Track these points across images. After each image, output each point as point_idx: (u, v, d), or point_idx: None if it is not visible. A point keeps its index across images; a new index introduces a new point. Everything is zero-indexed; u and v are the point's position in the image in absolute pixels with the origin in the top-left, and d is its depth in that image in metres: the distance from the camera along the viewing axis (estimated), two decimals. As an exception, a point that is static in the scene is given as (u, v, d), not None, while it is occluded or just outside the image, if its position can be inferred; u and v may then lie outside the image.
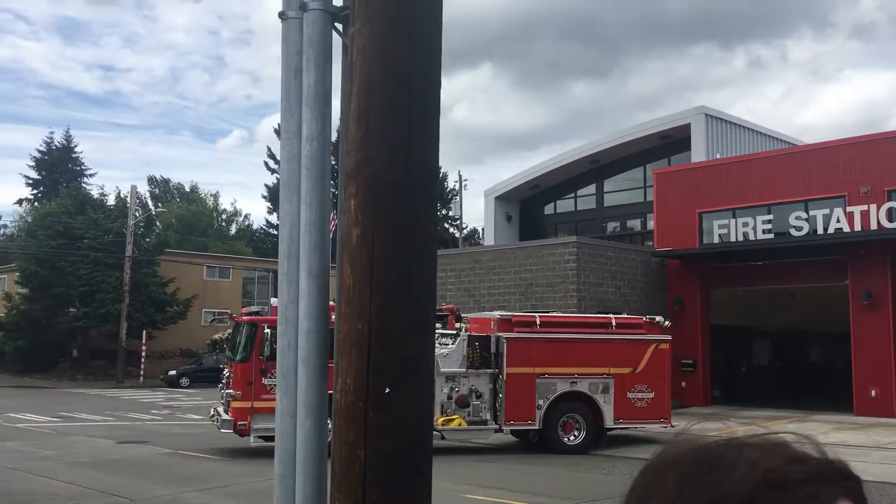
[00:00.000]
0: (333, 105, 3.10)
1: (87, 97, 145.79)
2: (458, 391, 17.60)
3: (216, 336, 49.16)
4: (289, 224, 3.09)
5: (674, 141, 36.64)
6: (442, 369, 17.04)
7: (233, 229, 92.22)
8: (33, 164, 76.36)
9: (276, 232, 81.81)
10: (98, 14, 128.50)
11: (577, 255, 26.15)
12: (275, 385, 11.34)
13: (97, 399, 33.75)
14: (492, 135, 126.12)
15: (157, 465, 16.00)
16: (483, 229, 52.18)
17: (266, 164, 78.01)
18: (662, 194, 30.17)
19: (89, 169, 78.12)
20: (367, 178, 2.74)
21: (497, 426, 17.88)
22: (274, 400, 11.11)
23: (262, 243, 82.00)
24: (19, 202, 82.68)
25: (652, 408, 18.34)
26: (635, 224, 39.39)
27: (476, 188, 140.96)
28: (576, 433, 18.16)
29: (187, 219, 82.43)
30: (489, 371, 17.71)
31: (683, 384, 27.89)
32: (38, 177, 75.75)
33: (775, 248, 26.49)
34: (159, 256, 49.00)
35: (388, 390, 2.67)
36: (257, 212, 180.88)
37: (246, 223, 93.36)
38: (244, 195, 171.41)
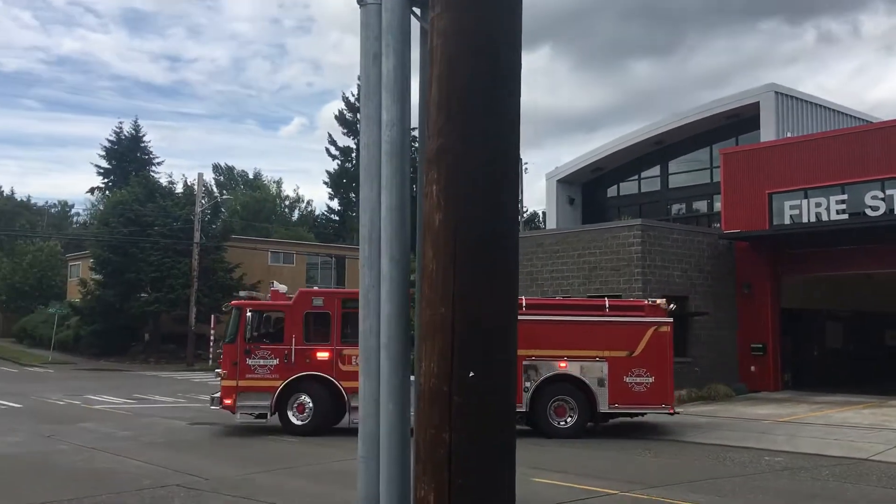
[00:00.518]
0: (412, 90, 3.11)
1: (154, 87, 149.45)
2: None
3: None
4: (369, 209, 3.12)
5: (741, 120, 35.74)
6: None
7: (295, 215, 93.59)
8: (104, 153, 78.70)
9: (337, 218, 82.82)
10: (163, 5, 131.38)
11: (643, 237, 25.78)
12: (259, 365, 11.82)
13: (169, 381, 34.74)
14: (551, 118, 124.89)
15: (228, 446, 16.41)
16: (544, 213, 51.88)
17: (327, 150, 78.85)
18: (730, 175, 29.49)
19: (157, 158, 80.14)
20: (448, 163, 2.74)
21: None
22: (257, 379, 11.62)
23: (323, 229, 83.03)
24: (91, 191, 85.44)
25: (652, 392, 17.77)
26: (701, 206, 38.63)
27: (535, 172, 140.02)
28: (568, 417, 17.96)
29: (251, 205, 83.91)
30: None
31: (753, 369, 27.36)
32: (109, 166, 78.05)
33: (850, 228, 25.67)
34: (225, 243, 50.03)
35: (472, 374, 2.69)
36: (319, 198, 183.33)
37: (308, 209, 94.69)
38: (306, 182, 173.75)
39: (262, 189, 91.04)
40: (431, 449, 2.72)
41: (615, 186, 42.28)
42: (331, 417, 18.14)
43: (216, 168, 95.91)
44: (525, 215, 66.09)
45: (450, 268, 2.74)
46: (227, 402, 17.90)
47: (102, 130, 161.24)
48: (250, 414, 17.93)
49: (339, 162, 78.97)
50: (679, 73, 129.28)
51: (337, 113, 77.00)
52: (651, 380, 17.76)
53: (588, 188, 42.71)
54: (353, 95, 76.64)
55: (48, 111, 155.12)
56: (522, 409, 17.67)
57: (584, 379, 17.79)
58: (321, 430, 17.73)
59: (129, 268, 45.28)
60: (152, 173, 66.15)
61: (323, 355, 18.04)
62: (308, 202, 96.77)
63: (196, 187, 49.89)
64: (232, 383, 17.84)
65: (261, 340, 18.25)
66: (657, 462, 14.78)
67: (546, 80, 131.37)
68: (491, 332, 2.73)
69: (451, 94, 2.74)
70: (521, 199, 57.31)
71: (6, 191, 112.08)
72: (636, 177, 41.21)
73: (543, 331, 17.74)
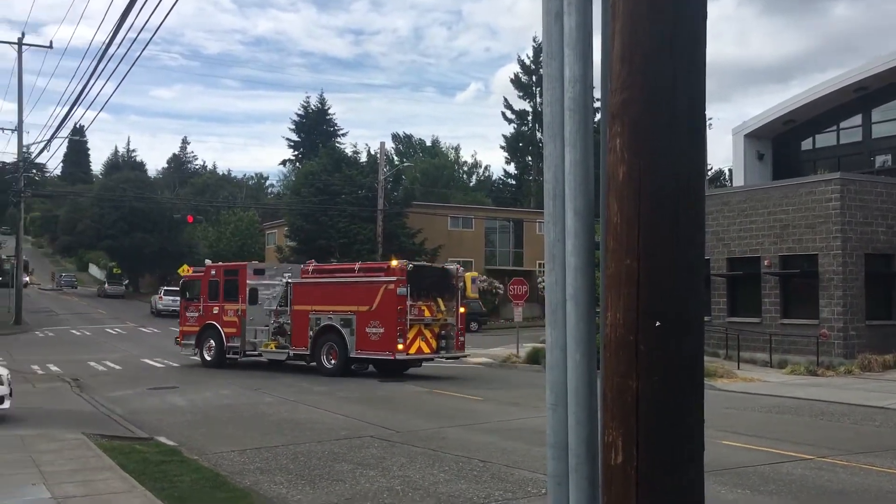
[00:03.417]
0: (594, 46, 3.14)
1: (339, 61, 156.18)
2: (276, 323, 23.37)
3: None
4: (553, 166, 3.19)
5: (957, 60, 32.20)
6: (265, 307, 23.80)
7: (473, 180, 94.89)
8: (293, 127, 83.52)
9: (514, 182, 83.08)
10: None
11: (841, 192, 24.05)
12: (190, 317, 22.95)
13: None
14: (738, 68, 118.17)
15: (417, 403, 17.20)
16: (730, 170, 49.41)
17: (503, 114, 79.06)
18: (944, 121, 26.76)
19: (341, 129, 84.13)
20: (632, 116, 2.77)
21: (289, 352, 23.14)
22: (189, 326, 23.10)
23: (501, 193, 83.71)
24: (283, 163, 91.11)
25: (383, 341, 20.87)
26: (909, 156, 35.34)
27: (721, 127, 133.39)
28: (334, 360, 22.04)
29: (430, 172, 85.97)
30: (286, 309, 23.15)
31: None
32: (298, 139, 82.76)
33: None
34: (407, 209, 51.72)
35: (658, 324, 2.73)
36: (496, 162, 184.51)
37: (485, 174, 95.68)
38: (483, 146, 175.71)
39: (440, 156, 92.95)
40: (618, 396, 2.80)
41: (810, 139, 39.49)
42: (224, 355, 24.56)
43: (395, 137, 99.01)
44: (710, 173, 63.26)
45: (634, 220, 2.78)
46: (179, 340, 26.08)
47: (294, 105, 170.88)
48: (192, 351, 25.52)
49: (515, 125, 79.00)
50: (883, 12, 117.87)
51: (512, 76, 76.93)
52: (382, 330, 20.86)
53: (779, 142, 40.18)
54: (529, 58, 76.20)
55: (246, 89, 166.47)
56: (307, 351, 22.50)
57: (341, 329, 21.72)
58: (222, 364, 24.31)
59: (319, 234, 47.94)
60: (337, 144, 69.36)
61: (215, 310, 24.78)
62: (486, 167, 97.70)
63: (379, 156, 51.83)
64: (179, 329, 26.40)
65: (192, 300, 25.71)
66: (854, 428, 13.94)
67: (732, 28, 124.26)
68: (676, 282, 2.76)
69: (635, 47, 2.76)
70: (707, 156, 54.92)
71: (209, 166, 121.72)
72: (834, 128, 38.25)
73: (321, 290, 22.39)
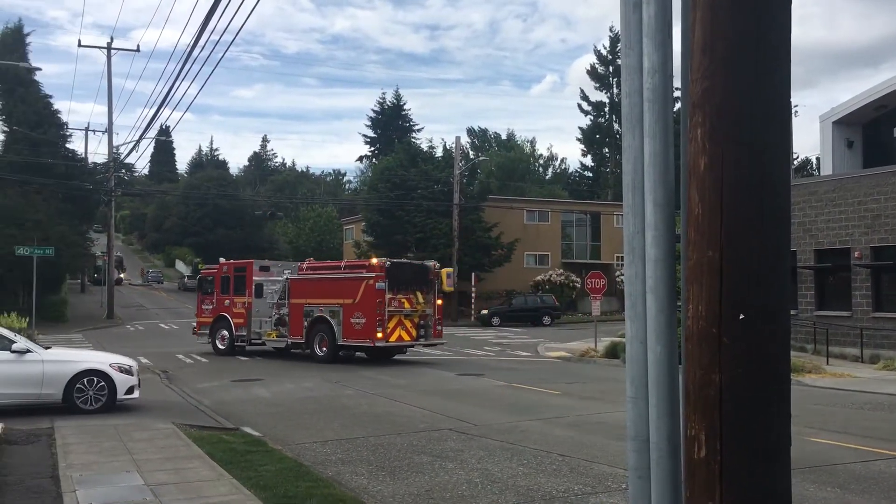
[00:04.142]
0: (674, 35, 3.10)
1: (415, 57, 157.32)
2: (277, 315, 25.66)
3: (538, 277, 51.04)
4: (632, 157, 3.17)
5: None
6: (268, 301, 26.17)
7: (549, 173, 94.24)
8: (369, 123, 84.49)
9: (590, 174, 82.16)
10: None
11: (937, 180, 22.97)
12: (206, 309, 25.25)
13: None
14: (826, 52, 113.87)
15: (494, 396, 17.23)
16: (818, 159, 47.80)
17: (579, 106, 78.31)
18: None
19: (417, 124, 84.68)
20: (713, 106, 2.73)
21: (287, 341, 25.31)
22: (204, 317, 25.27)
23: (577, 186, 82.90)
24: (360, 159, 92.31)
25: (365, 330, 23.25)
26: None
27: (807, 115, 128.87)
28: (325, 347, 24.06)
29: (506, 166, 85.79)
30: (285, 302, 25.49)
31: None
32: (374, 135, 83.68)
33: None
34: (483, 203, 51.74)
35: (742, 316, 2.69)
36: (572, 155, 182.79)
37: (562, 167, 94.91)
38: (559, 139, 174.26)
39: (515, 149, 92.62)
40: (701, 389, 2.77)
41: (902, 125, 37.79)
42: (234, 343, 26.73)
43: (470, 131, 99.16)
44: (796, 162, 61.26)
45: (716, 211, 2.74)
46: (196, 330, 28.66)
47: (370, 102, 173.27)
48: (206, 340, 27.82)
49: (592, 117, 78.09)
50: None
51: (588, 67, 76.11)
52: (364, 321, 23.24)
53: (870, 129, 38.56)
54: (605, 48, 75.20)
55: (323, 87, 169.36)
56: (302, 340, 24.68)
57: (330, 320, 24.04)
58: (233, 352, 26.46)
59: (396, 229, 48.42)
60: (413, 139, 69.90)
61: (226, 303, 27.22)
62: (561, 160, 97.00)
63: (454, 150, 51.97)
64: (196, 319, 29.31)
65: (207, 294, 28.28)
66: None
67: (820, 11, 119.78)
68: (759, 274, 2.71)
69: (717, 36, 2.72)
70: (792, 144, 53.23)
71: (288, 163, 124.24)
72: (930, 112, 36.50)
73: (313, 285, 24.72)
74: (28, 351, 13.68)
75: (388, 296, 23.14)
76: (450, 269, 29.39)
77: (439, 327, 25.18)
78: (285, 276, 26.08)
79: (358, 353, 24.79)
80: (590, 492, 8.83)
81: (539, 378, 20.45)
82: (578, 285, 48.55)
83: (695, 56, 2.78)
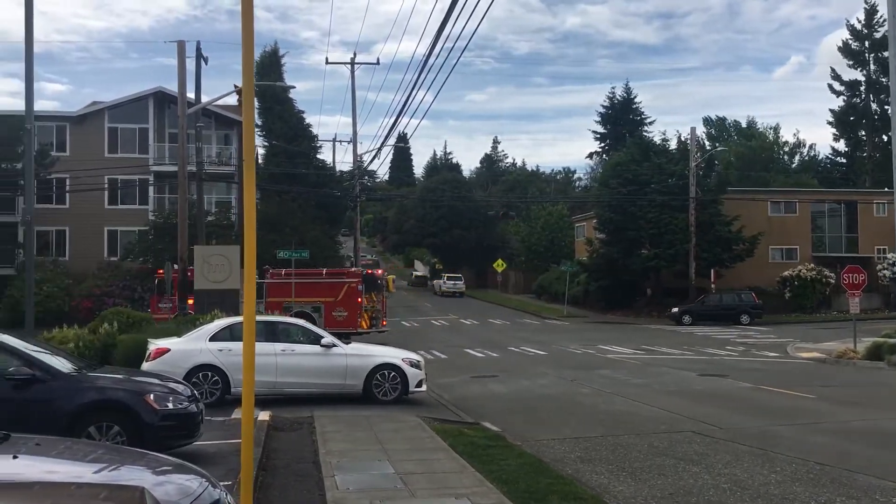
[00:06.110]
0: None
1: (647, 48, 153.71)
2: None
3: (785, 273, 47.64)
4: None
5: None
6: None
7: (795, 161, 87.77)
8: (599, 119, 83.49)
9: (844, 160, 75.48)
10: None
11: None
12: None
13: (672, 334, 35.69)
14: None
15: (739, 398, 16.31)
16: None
17: (829, 86, 72.14)
18: None
19: (648, 117, 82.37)
20: None
21: None
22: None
23: (828, 173, 76.42)
24: (590, 156, 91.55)
25: (345, 321, 30.77)
26: None
27: None
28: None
29: (746, 155, 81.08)
30: (261, 300, 29.73)
31: None
32: (604, 130, 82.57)
33: None
34: (721, 195, 49.20)
35: None
36: (822, 140, 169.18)
37: (810, 154, 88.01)
38: (806, 124, 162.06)
39: (757, 137, 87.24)
40: None
41: None
42: None
43: (706, 121, 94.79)
44: None
45: None
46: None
47: (600, 97, 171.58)
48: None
49: (845, 98, 71.67)
50: None
51: (840, 44, 69.85)
52: (346, 314, 31.08)
53: None
54: (860, 21, 68.70)
55: (554, 86, 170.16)
56: None
57: (311, 313, 29.76)
58: None
59: (629, 226, 47.35)
60: (644, 133, 68.10)
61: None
62: (810, 146, 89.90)
63: (689, 142, 49.93)
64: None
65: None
66: None
67: None
68: None
69: None
70: None
71: (518, 163, 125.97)
72: None
73: (298, 286, 30.77)
74: (334, 345, 15.08)
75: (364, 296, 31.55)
76: (393, 277, 42.38)
77: (385, 319, 33.78)
78: (265, 281, 31.36)
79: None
80: (854, 505, 8.10)
81: (789, 380, 19.10)
82: (833, 281, 44.72)
83: None
